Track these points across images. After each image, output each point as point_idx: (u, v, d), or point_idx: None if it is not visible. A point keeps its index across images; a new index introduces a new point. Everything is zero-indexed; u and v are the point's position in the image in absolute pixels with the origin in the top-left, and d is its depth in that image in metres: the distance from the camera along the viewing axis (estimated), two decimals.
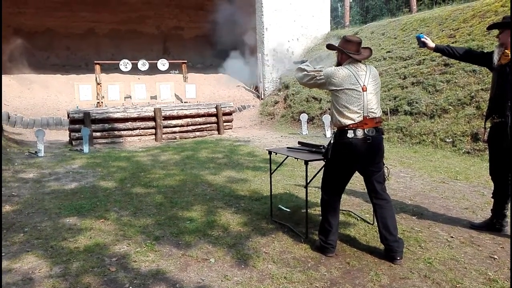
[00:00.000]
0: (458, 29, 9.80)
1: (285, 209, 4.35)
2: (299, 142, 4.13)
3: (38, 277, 2.92)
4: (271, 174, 4.22)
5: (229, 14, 14.51)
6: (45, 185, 5.54)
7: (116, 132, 9.32)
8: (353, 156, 3.09)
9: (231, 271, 3.00)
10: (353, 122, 3.04)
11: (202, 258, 3.21)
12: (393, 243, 3.10)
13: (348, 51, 3.14)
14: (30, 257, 3.25)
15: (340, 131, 3.11)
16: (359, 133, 3.04)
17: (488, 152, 3.74)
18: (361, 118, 3.04)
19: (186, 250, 3.36)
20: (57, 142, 9.45)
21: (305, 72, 3.31)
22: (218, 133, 10.51)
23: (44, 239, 3.63)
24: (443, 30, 10.20)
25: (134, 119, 9.50)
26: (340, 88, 3.07)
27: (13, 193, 5.07)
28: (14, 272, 3.00)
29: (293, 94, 12.97)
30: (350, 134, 3.04)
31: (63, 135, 10.22)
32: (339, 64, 3.24)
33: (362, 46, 3.23)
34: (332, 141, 3.21)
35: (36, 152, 7.69)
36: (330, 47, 3.38)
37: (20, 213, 4.34)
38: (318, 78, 3.21)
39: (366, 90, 3.05)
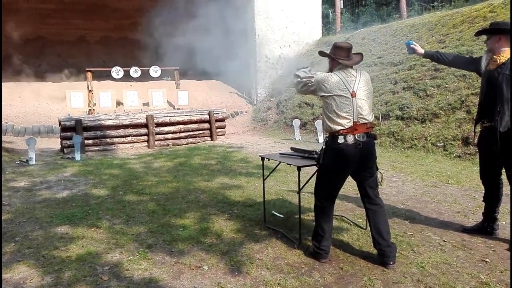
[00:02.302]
0: (447, 34, 9.92)
1: (278, 215, 4.35)
2: (291, 148, 4.14)
3: (30, 287, 2.89)
4: (264, 180, 4.22)
5: (221, 21, 14.53)
6: (37, 193, 5.49)
7: (108, 140, 9.27)
8: (344, 161, 3.11)
9: (225, 278, 2.99)
10: (343, 128, 3.06)
11: (195, 266, 3.20)
12: (386, 248, 3.11)
13: (338, 57, 3.17)
14: (21, 267, 3.21)
15: (331, 136, 3.13)
16: (350, 138, 3.05)
17: (478, 156, 3.78)
18: (351, 124, 3.06)
19: (179, 258, 3.34)
20: (48, 150, 9.38)
21: (299, 79, 3.34)
22: (211, 140, 10.49)
23: (35, 248, 3.59)
24: (433, 36, 10.32)
25: (126, 126, 9.46)
26: (329, 94, 3.09)
27: (4, 202, 5.02)
28: (5, 282, 2.97)
29: (285, 100, 13.02)
30: (340, 140, 3.06)
31: (55, 143, 10.14)
32: (330, 70, 3.27)
33: (353, 51, 3.26)
34: (323, 147, 3.22)
35: (27, 160, 7.62)
36: (321, 53, 3.41)
37: (11, 222, 4.30)
38: (309, 84, 3.24)
39: (355, 96, 3.08)
